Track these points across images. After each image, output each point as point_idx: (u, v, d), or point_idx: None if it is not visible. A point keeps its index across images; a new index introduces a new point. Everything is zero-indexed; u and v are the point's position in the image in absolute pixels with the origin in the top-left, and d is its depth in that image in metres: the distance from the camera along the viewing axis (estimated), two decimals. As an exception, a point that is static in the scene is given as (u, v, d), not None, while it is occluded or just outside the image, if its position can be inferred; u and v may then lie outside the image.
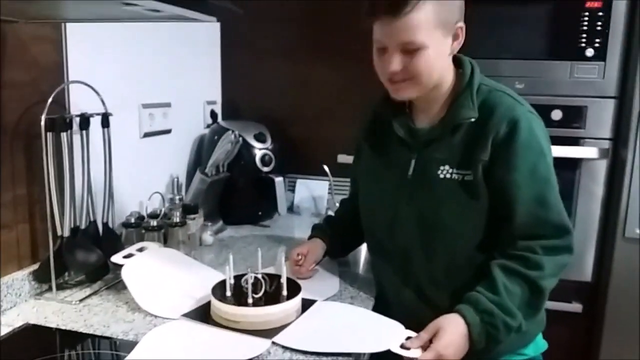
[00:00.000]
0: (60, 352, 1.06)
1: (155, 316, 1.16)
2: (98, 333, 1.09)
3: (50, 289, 1.25)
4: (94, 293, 1.28)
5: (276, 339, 1.04)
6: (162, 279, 1.27)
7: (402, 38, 1.02)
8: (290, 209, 2.08)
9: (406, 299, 1.17)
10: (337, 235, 1.40)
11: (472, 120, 1.07)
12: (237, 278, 1.16)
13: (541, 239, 1.05)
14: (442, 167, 1.09)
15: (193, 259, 1.43)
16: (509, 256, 1.05)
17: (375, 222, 1.24)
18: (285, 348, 1.02)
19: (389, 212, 1.18)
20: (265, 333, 1.06)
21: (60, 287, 1.28)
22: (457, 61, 1.14)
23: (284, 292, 1.15)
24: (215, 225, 1.78)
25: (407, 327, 1.07)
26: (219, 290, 1.15)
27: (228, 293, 1.13)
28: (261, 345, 1.02)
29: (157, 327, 1.10)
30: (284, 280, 1.16)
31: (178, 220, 1.52)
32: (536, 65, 1.80)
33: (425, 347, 1.00)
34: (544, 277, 1.03)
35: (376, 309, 1.22)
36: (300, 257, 1.33)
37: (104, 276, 1.32)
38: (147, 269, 1.27)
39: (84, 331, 1.10)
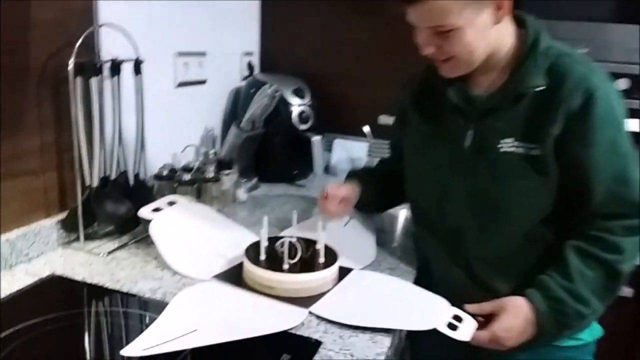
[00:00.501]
0: (87, 307, 1.02)
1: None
2: (125, 289, 1.05)
3: (78, 238, 1.21)
4: (123, 246, 1.24)
5: (313, 308, 0.98)
6: (192, 237, 1.21)
7: (429, 22, 0.95)
8: (327, 169, 1.99)
9: (454, 277, 1.08)
10: (373, 186, 1.29)
11: (540, 89, 0.96)
12: (272, 241, 1.10)
13: (621, 218, 0.95)
14: (503, 140, 0.98)
15: (225, 217, 1.37)
16: (585, 237, 0.96)
17: (424, 195, 1.14)
18: (320, 319, 0.96)
19: (440, 186, 1.08)
20: (301, 301, 0.99)
21: (88, 237, 1.24)
22: (520, 21, 1.01)
23: (321, 260, 1.08)
24: (249, 182, 1.71)
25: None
26: (252, 252, 1.08)
27: (262, 256, 1.07)
28: (299, 314, 0.96)
29: (188, 288, 1.04)
30: (320, 247, 1.09)
31: (212, 175, 1.46)
32: (603, 28, 1.66)
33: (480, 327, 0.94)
34: (624, 260, 0.94)
35: (418, 283, 1.14)
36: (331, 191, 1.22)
37: (134, 229, 1.28)
38: (176, 225, 1.21)
39: (111, 286, 1.06)
